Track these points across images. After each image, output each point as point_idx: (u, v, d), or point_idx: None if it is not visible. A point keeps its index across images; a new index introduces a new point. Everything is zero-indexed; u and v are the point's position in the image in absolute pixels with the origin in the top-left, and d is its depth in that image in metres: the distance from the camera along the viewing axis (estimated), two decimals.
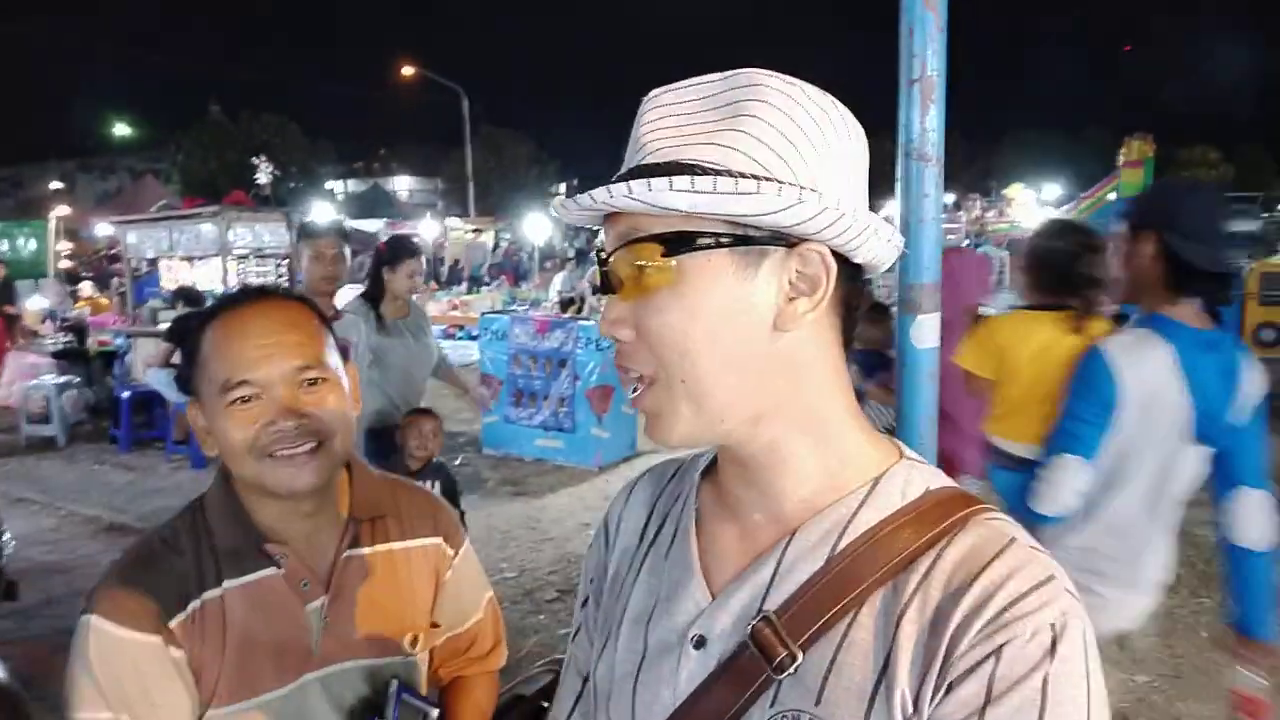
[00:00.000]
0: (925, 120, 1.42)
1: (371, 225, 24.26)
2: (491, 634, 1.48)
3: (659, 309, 0.69)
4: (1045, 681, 0.62)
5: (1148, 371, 1.95)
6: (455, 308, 14.93)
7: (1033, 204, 29.57)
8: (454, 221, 28.48)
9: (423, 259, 3.86)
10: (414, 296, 3.87)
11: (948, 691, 0.63)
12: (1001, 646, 0.63)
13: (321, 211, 14.71)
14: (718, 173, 0.66)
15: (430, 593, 1.35)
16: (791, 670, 0.69)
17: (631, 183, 0.67)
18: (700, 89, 0.71)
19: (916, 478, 0.74)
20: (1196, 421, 1.97)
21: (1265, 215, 24.20)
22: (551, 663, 1.50)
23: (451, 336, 14.16)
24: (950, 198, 29.08)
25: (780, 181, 0.67)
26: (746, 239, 0.68)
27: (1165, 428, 1.98)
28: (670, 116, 0.71)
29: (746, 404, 0.71)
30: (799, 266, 0.69)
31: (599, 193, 0.68)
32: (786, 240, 0.69)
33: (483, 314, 8.44)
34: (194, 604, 1.16)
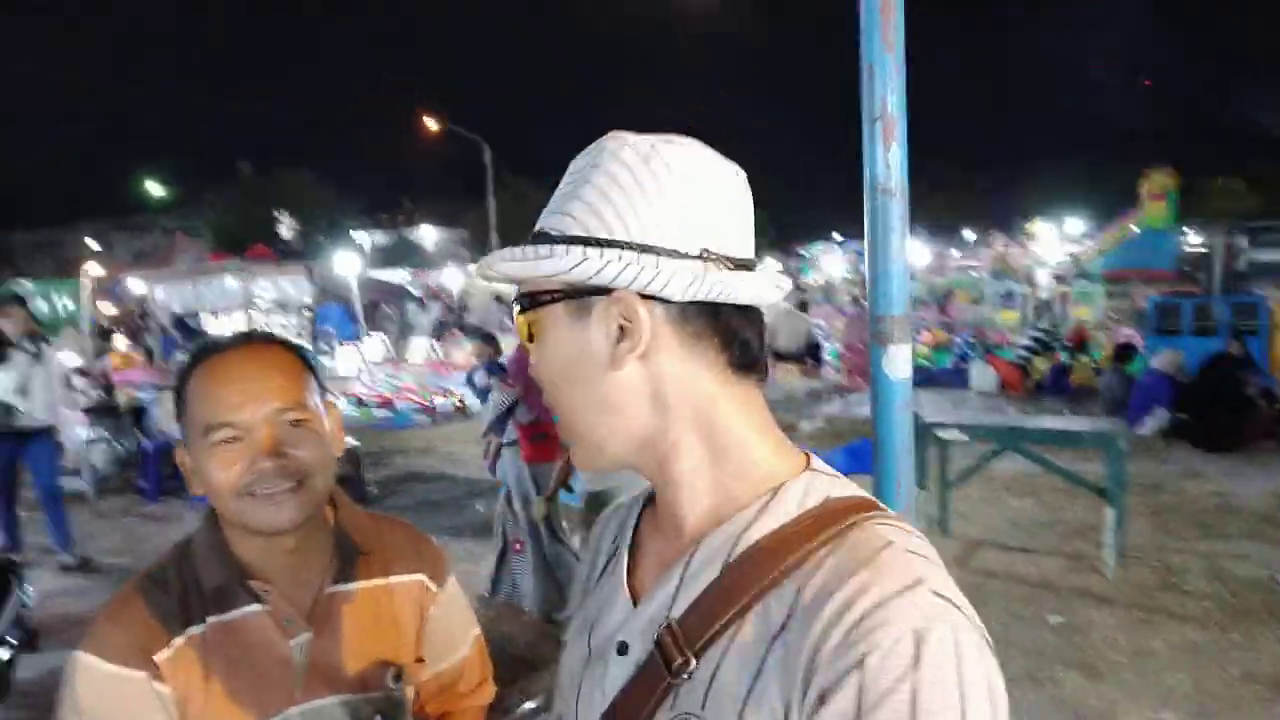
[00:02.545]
0: (888, 156, 1.45)
1: (396, 275, 24.66)
2: (479, 670, 1.49)
3: (532, 356, 0.82)
4: (914, 693, 0.61)
5: None
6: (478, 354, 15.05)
7: (1055, 238, 29.39)
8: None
9: None
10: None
11: (820, 703, 0.64)
12: (864, 657, 0.63)
13: (346, 262, 14.94)
14: (550, 239, 0.76)
15: (415, 628, 1.37)
16: (687, 675, 0.73)
17: (487, 257, 0.80)
18: (578, 160, 0.81)
19: (818, 487, 0.77)
20: None
21: None
22: (545, 699, 1.51)
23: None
24: (971, 235, 29.02)
25: (595, 240, 0.74)
26: (575, 293, 0.77)
27: None
28: (559, 190, 0.81)
29: (618, 433, 0.79)
30: (622, 312, 0.75)
31: (474, 268, 0.79)
32: (605, 291, 0.75)
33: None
34: (179, 640, 1.19)
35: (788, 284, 0.83)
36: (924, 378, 10.05)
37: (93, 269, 16.49)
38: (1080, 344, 13.51)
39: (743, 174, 0.82)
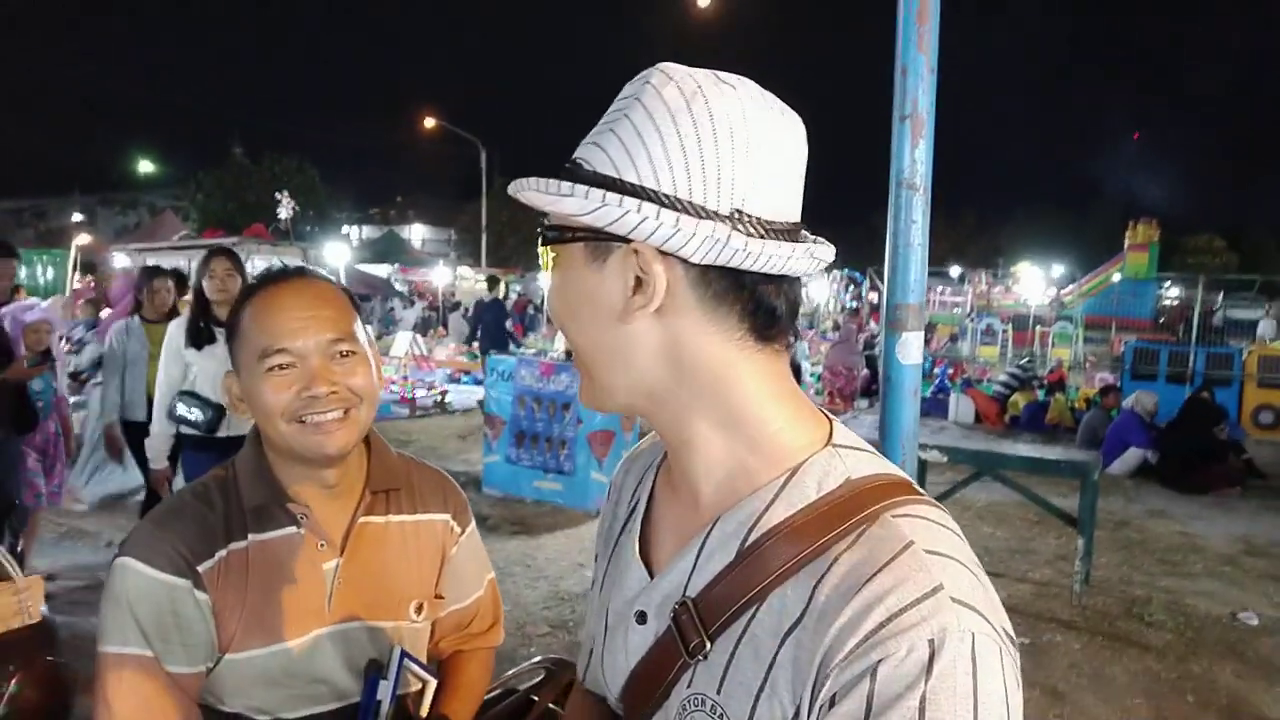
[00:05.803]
0: (915, 153, 1.54)
1: (383, 270, 24.69)
2: (491, 612, 1.55)
3: (549, 286, 0.79)
4: (923, 700, 0.60)
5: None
6: (460, 353, 15.15)
7: (1040, 281, 29.80)
8: (465, 270, 28.88)
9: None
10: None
11: (831, 706, 0.63)
12: (877, 664, 0.62)
13: (336, 253, 14.95)
14: (579, 172, 0.72)
15: (436, 565, 1.43)
16: (703, 656, 0.73)
17: (523, 179, 0.75)
18: (627, 88, 0.75)
19: (837, 468, 0.73)
20: None
21: (1269, 303, 24.29)
22: (545, 660, 1.57)
23: (457, 380, 14.37)
24: (956, 271, 29.43)
25: (620, 183, 0.70)
26: (596, 235, 0.72)
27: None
28: (605, 116, 0.76)
29: (626, 381, 0.76)
30: (639, 264, 0.71)
31: (511, 185, 0.77)
32: (625, 239, 0.71)
33: (490, 353, 8.55)
34: (220, 553, 1.23)
35: (828, 255, 0.76)
36: None
37: (80, 240, 16.39)
38: (1059, 383, 13.73)
39: (801, 125, 0.75)
